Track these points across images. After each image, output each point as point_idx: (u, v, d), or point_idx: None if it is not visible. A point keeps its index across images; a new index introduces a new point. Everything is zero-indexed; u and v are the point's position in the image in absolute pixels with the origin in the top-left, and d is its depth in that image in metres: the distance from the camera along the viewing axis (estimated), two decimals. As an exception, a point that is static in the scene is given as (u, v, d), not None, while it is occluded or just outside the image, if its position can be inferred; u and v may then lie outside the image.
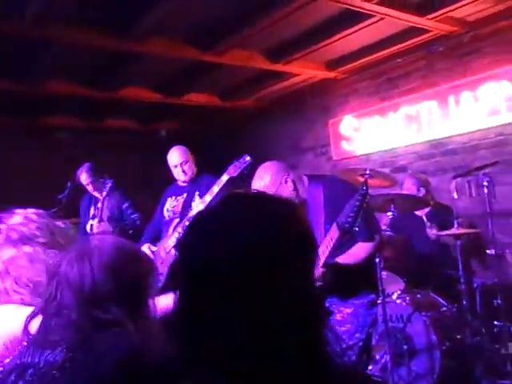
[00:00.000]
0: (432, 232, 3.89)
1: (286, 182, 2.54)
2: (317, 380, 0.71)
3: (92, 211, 4.47)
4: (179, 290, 0.77)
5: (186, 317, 0.75)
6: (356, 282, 2.46)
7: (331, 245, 2.24)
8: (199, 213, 0.83)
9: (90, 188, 4.51)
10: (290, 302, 0.73)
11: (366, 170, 3.78)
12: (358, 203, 2.14)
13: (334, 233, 2.22)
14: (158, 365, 0.78)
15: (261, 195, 0.85)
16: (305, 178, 2.66)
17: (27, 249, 1.41)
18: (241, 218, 0.76)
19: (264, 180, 2.54)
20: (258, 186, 2.54)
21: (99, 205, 4.37)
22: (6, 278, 1.39)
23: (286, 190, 2.52)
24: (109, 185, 4.24)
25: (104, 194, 4.29)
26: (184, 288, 0.77)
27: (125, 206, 4.49)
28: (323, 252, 2.26)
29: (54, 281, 1.14)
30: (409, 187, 4.15)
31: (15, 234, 1.45)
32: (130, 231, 4.34)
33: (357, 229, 2.15)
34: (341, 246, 2.43)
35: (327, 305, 2.42)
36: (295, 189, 2.55)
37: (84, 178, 4.49)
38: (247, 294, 0.71)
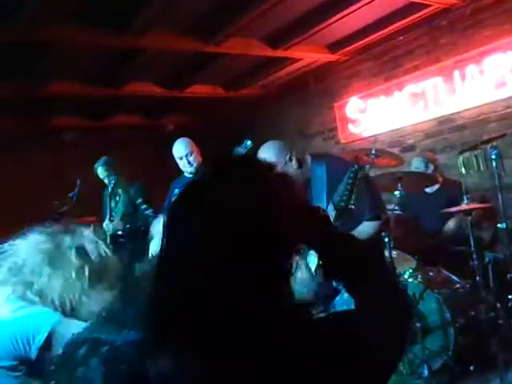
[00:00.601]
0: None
1: (290, 159, 2.53)
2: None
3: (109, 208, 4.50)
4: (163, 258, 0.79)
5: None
6: None
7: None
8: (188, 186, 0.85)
9: (106, 182, 4.55)
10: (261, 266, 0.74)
11: (371, 150, 3.77)
12: (350, 181, 2.16)
13: (332, 213, 2.23)
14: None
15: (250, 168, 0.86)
16: (308, 157, 2.65)
17: None
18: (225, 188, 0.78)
19: (268, 158, 2.53)
20: None
21: (112, 202, 4.40)
22: None
23: (291, 169, 2.51)
24: (113, 181, 4.26)
25: (109, 190, 4.31)
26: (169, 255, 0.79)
27: (138, 201, 4.48)
28: None
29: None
30: (416, 165, 4.11)
31: None
32: (142, 228, 4.34)
33: (352, 207, 2.15)
34: (345, 224, 2.42)
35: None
36: (299, 167, 2.53)
37: (100, 171, 4.54)
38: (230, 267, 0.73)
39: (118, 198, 4.42)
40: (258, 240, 0.75)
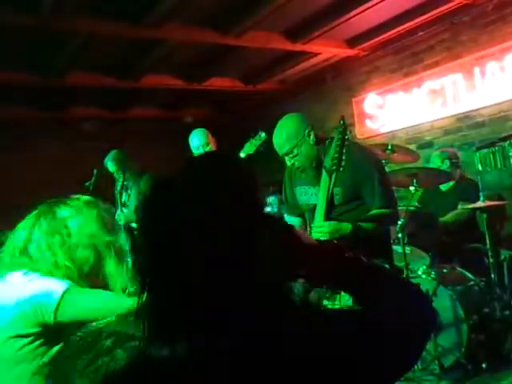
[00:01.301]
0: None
1: (308, 135, 2.50)
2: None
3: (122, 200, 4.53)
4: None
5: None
6: (369, 252, 2.43)
7: (326, 193, 2.28)
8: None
9: (116, 177, 4.56)
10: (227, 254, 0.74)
11: (387, 145, 3.76)
12: (338, 142, 2.17)
13: (326, 179, 2.27)
14: None
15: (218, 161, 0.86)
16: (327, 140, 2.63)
17: None
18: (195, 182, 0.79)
19: (286, 131, 2.51)
20: (280, 138, 2.51)
21: (124, 196, 4.44)
22: None
23: (307, 145, 2.49)
24: (122, 176, 4.29)
25: (120, 184, 4.34)
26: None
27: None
28: (321, 204, 2.30)
29: None
30: (433, 161, 4.08)
31: None
32: None
33: (341, 169, 2.18)
34: (350, 211, 2.42)
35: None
36: (316, 143, 2.50)
37: (109, 166, 4.56)
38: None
39: (129, 191, 4.45)
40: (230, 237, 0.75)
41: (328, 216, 2.31)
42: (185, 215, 0.75)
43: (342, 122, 2.32)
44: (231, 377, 0.69)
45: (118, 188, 4.65)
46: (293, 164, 2.53)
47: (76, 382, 0.97)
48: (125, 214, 4.32)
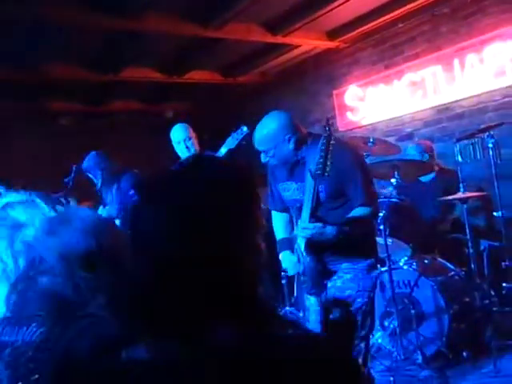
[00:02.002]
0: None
1: (288, 140, 2.44)
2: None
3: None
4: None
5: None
6: (353, 247, 2.45)
7: (311, 195, 2.30)
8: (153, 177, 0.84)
9: (96, 177, 4.47)
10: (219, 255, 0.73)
11: (369, 138, 3.78)
12: (323, 147, 2.17)
13: (311, 182, 2.28)
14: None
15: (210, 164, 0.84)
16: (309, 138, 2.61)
17: None
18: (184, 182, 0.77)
19: (268, 130, 2.47)
20: (260, 134, 2.49)
21: (109, 196, 4.38)
22: None
23: (285, 149, 2.46)
24: (101, 177, 4.24)
25: (100, 185, 4.29)
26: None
27: (131, 192, 4.43)
28: (306, 204, 2.32)
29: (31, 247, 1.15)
30: (411, 153, 4.11)
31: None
32: None
33: (327, 174, 2.19)
34: (335, 208, 2.43)
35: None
36: (296, 148, 2.46)
37: (88, 168, 4.48)
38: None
39: (109, 190, 4.40)
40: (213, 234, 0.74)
41: (313, 217, 2.32)
42: (174, 215, 0.74)
43: (327, 127, 2.31)
44: (216, 378, 0.68)
45: (98, 187, 4.58)
46: (267, 161, 2.54)
47: None
48: (106, 209, 4.28)
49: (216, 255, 0.73)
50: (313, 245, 2.36)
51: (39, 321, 1.02)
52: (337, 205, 2.44)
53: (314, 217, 2.32)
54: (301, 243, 2.41)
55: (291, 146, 2.45)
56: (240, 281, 0.75)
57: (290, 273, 2.62)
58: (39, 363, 0.95)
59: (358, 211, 2.42)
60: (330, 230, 2.32)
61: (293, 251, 2.54)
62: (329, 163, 2.16)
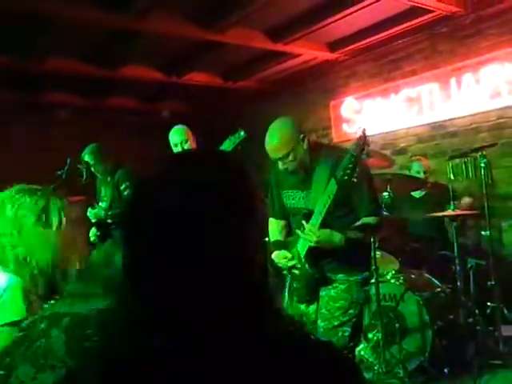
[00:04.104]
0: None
1: (303, 140, 2.45)
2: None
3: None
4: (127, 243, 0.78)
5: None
6: (352, 258, 2.46)
7: (329, 202, 2.25)
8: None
9: (93, 170, 4.46)
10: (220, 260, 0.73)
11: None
12: (355, 154, 2.14)
13: (333, 188, 2.23)
14: None
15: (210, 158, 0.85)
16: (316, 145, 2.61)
17: None
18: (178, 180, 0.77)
19: (282, 135, 2.44)
20: (275, 142, 2.45)
21: (103, 191, 4.37)
22: None
23: (302, 150, 2.45)
24: (100, 170, 4.23)
25: (99, 178, 4.28)
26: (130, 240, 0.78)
27: (123, 186, 4.40)
28: (319, 210, 2.29)
29: None
30: (417, 169, 4.15)
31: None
32: None
33: (355, 180, 2.15)
34: (340, 217, 2.42)
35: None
36: (310, 150, 2.47)
37: (88, 159, 4.46)
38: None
39: (107, 186, 4.38)
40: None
41: (324, 224, 2.31)
42: (173, 213, 0.74)
43: (363, 135, 2.25)
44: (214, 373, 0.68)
45: (99, 182, 4.55)
46: (286, 168, 2.49)
47: (19, 368, 0.97)
48: (94, 211, 4.26)
49: (220, 254, 0.73)
50: (313, 252, 2.36)
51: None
52: (341, 213, 2.43)
53: (324, 224, 2.30)
54: (301, 250, 2.41)
55: (305, 145, 2.46)
56: (246, 279, 0.75)
57: (284, 266, 2.56)
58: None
59: (367, 220, 2.43)
60: (336, 236, 2.32)
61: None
62: (357, 170, 2.14)
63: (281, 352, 0.70)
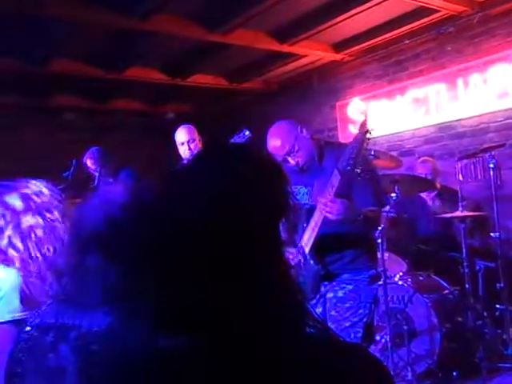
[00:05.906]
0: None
1: (301, 131, 2.48)
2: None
3: None
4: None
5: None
6: (357, 257, 2.44)
7: (332, 194, 2.21)
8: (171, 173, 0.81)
9: (96, 174, 4.45)
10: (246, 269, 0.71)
11: (370, 150, 3.78)
12: (357, 144, 2.12)
13: (335, 180, 2.19)
14: None
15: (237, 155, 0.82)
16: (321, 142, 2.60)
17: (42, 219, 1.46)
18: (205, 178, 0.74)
19: (281, 132, 2.47)
20: (277, 140, 2.46)
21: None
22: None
23: (305, 141, 2.45)
24: (101, 173, 4.22)
25: (98, 182, 4.27)
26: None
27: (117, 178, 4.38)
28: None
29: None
30: (422, 172, 4.11)
31: (33, 204, 1.49)
32: None
33: (358, 170, 2.12)
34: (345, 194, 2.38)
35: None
36: (312, 138, 2.48)
37: (90, 163, 4.46)
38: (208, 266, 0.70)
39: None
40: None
41: (339, 193, 2.20)
42: (195, 214, 0.72)
43: (363, 129, 2.21)
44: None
45: (96, 183, 4.55)
46: (297, 162, 2.46)
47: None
48: None
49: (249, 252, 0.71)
50: (318, 248, 2.33)
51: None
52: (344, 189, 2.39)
53: (340, 194, 2.21)
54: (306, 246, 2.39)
55: (307, 135, 2.47)
56: (272, 277, 0.73)
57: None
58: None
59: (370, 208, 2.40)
60: (354, 209, 2.23)
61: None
62: (360, 161, 2.11)
63: (309, 354, 0.68)
